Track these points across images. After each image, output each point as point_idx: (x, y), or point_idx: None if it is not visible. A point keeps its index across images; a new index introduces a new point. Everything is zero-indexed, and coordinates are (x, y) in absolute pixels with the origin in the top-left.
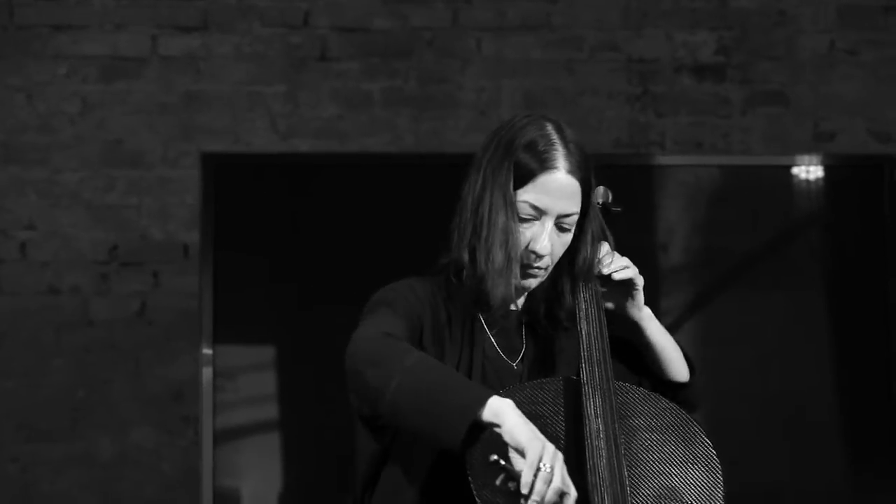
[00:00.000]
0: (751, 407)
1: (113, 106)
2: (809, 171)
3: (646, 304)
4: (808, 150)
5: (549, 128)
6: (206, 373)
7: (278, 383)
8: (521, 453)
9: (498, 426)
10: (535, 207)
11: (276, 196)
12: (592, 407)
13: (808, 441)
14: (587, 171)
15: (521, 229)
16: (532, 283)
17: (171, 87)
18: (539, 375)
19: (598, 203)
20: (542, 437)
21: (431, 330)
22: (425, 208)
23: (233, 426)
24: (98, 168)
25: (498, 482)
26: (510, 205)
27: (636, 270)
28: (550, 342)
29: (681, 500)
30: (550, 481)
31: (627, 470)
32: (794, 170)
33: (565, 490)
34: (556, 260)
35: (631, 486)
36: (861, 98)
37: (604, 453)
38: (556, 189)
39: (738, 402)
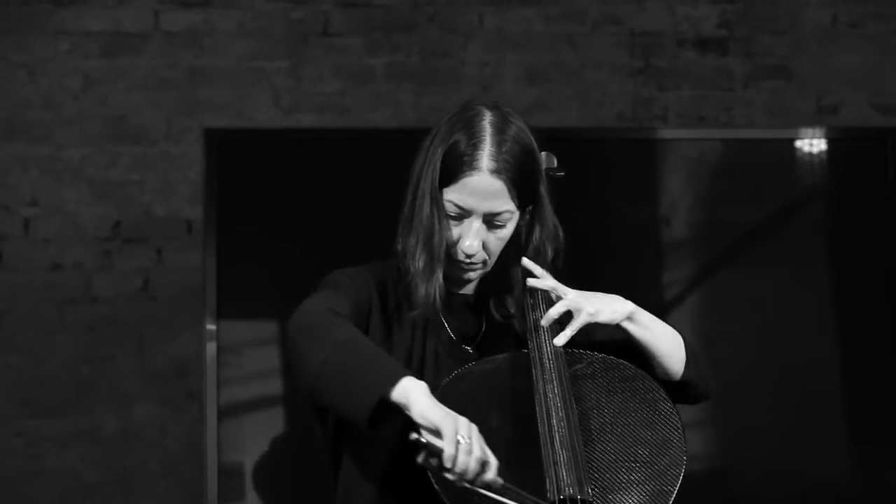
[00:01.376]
0: (754, 380)
1: (115, 82)
2: (812, 144)
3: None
4: (811, 123)
5: (486, 121)
6: (210, 348)
7: (282, 358)
8: (437, 433)
9: (407, 408)
10: (459, 207)
11: (279, 171)
12: (542, 378)
13: (810, 413)
14: (520, 169)
15: (449, 226)
16: (472, 275)
17: (173, 63)
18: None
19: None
20: (452, 413)
21: (380, 317)
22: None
23: (237, 401)
24: (101, 144)
25: (420, 459)
26: (436, 202)
27: (567, 300)
28: (507, 328)
29: (640, 462)
30: (471, 451)
31: (585, 438)
32: (797, 143)
33: (486, 459)
34: (494, 255)
35: (588, 455)
36: (864, 71)
37: (556, 426)
38: (479, 190)
39: (741, 376)
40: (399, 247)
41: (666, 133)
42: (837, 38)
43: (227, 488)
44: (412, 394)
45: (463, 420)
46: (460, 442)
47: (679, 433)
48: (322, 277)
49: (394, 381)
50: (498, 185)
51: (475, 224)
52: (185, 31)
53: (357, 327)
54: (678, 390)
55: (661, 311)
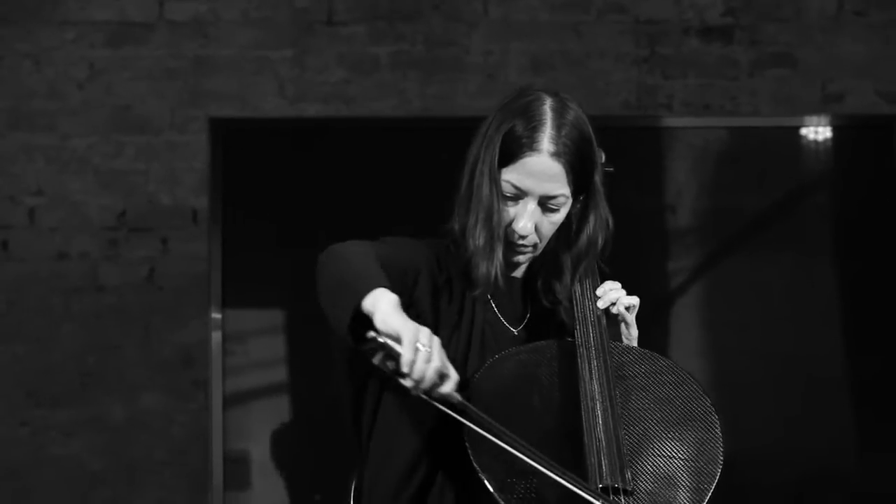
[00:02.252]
0: (759, 368)
1: (120, 71)
2: (817, 132)
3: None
4: (816, 111)
5: (546, 105)
6: (216, 337)
7: (287, 347)
8: (397, 339)
9: (372, 314)
10: (516, 187)
11: (284, 160)
12: (588, 368)
13: (815, 402)
14: (579, 154)
15: (504, 207)
16: (521, 259)
17: (178, 53)
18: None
19: None
20: (416, 324)
21: (428, 289)
22: (432, 172)
23: (242, 390)
24: (106, 134)
25: (377, 360)
26: (495, 182)
27: (634, 303)
28: (553, 313)
29: (679, 458)
30: (430, 360)
31: (625, 430)
32: (803, 131)
33: (444, 371)
34: (544, 239)
35: (629, 446)
36: (869, 59)
37: (600, 415)
38: (538, 171)
39: (746, 364)
40: (456, 226)
41: (671, 121)
42: (843, 26)
43: (232, 476)
44: (379, 301)
45: (425, 330)
46: (419, 349)
47: (717, 432)
48: None
49: (367, 290)
50: (557, 167)
51: (530, 206)
52: (189, 21)
53: (392, 283)
54: None
55: (666, 299)
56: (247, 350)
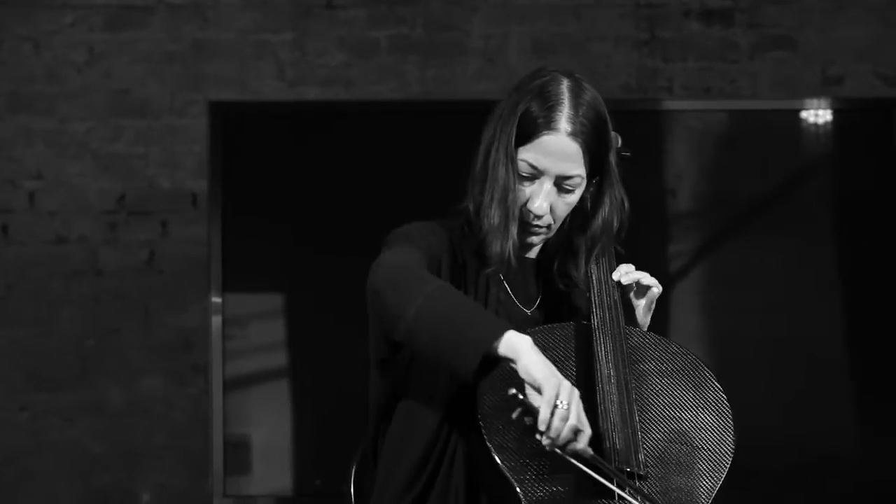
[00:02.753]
0: (759, 352)
1: (120, 55)
2: (818, 115)
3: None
4: (816, 94)
5: (563, 86)
6: (216, 321)
7: (287, 330)
8: (538, 390)
9: (513, 361)
10: (533, 167)
11: (283, 144)
12: (603, 351)
13: (815, 386)
14: (595, 135)
15: (520, 186)
16: (535, 239)
17: (177, 36)
18: (552, 323)
19: None
20: (558, 374)
21: (448, 273)
22: (433, 155)
23: (242, 374)
24: (105, 117)
25: (514, 415)
26: (511, 161)
27: (654, 284)
28: (566, 295)
29: (691, 443)
30: (567, 418)
31: (638, 414)
32: (803, 114)
33: (580, 427)
34: (559, 219)
35: (642, 430)
36: (869, 42)
37: (615, 398)
38: (556, 150)
39: (745, 348)
40: (471, 205)
41: (671, 104)
42: (843, 8)
43: (232, 461)
44: (520, 347)
45: (566, 383)
46: (558, 406)
47: (728, 419)
48: (327, 251)
49: (499, 335)
50: (574, 147)
51: (546, 185)
52: (189, 4)
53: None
54: None
55: (666, 282)
56: (247, 334)
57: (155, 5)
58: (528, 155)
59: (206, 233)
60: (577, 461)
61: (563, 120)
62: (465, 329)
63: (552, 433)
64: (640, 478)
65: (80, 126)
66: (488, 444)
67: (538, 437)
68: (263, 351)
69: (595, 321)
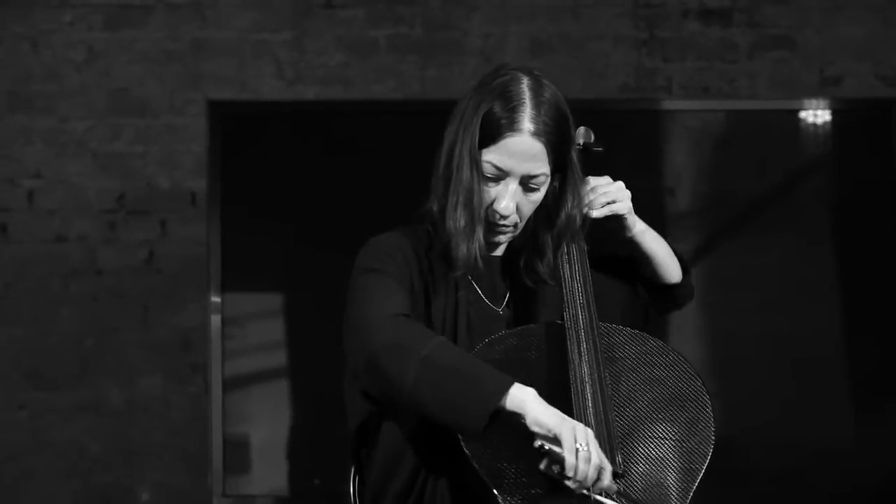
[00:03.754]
0: (757, 350)
1: (119, 54)
2: (816, 115)
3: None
4: (814, 94)
5: (523, 85)
6: (215, 320)
7: (286, 330)
8: (554, 440)
9: (521, 416)
10: (498, 168)
11: (282, 143)
12: (577, 351)
13: (813, 384)
14: (558, 132)
15: (485, 188)
16: (502, 238)
17: (176, 35)
18: (525, 320)
19: (579, 144)
20: (567, 418)
21: (420, 284)
22: (431, 155)
23: (241, 373)
24: (104, 116)
25: (543, 466)
26: (475, 163)
27: (622, 200)
28: (534, 292)
29: (670, 439)
30: (590, 459)
31: (615, 412)
32: (801, 114)
33: (602, 465)
34: (525, 218)
35: (619, 430)
36: (868, 42)
37: (589, 398)
38: (520, 151)
39: (744, 346)
40: (434, 207)
41: (670, 104)
42: (841, 8)
43: (231, 460)
44: (526, 402)
45: (580, 426)
46: (579, 450)
47: (708, 412)
48: (326, 250)
49: (503, 391)
50: (538, 146)
51: (511, 186)
52: (188, 3)
53: (413, 312)
54: (672, 292)
55: None
56: (246, 333)
57: (154, 4)
58: (492, 157)
59: (205, 232)
60: (606, 498)
61: (526, 120)
62: (468, 389)
63: (580, 476)
64: (618, 476)
65: (79, 125)
66: (465, 450)
67: (568, 483)
68: (262, 350)
69: (568, 320)
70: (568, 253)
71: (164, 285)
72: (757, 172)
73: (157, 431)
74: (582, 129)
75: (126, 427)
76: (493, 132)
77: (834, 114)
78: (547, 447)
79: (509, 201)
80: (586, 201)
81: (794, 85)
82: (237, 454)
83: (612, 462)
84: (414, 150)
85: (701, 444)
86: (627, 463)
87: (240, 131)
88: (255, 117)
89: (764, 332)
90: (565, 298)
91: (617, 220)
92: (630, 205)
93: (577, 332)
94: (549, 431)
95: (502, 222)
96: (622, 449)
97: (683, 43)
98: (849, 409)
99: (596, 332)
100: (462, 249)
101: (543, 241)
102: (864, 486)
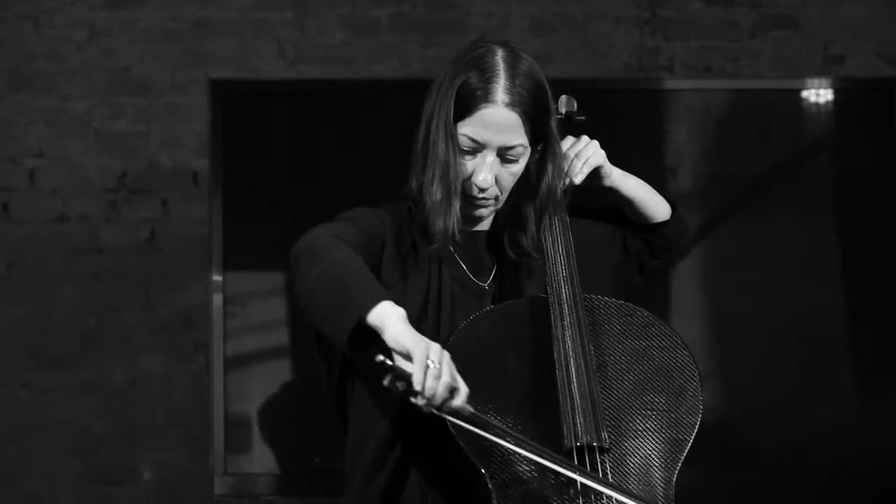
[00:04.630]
0: (759, 331)
1: (120, 33)
2: (819, 94)
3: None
4: (817, 73)
5: (498, 57)
6: (217, 299)
7: (288, 309)
8: (408, 356)
9: (381, 331)
10: (474, 140)
11: (284, 122)
12: (561, 325)
13: (816, 364)
14: (534, 103)
15: (463, 161)
16: (483, 212)
17: (178, 14)
18: (511, 295)
19: (561, 113)
20: (425, 339)
21: (395, 256)
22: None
23: (243, 352)
24: (106, 96)
25: (386, 382)
26: (451, 136)
27: (596, 154)
28: (519, 266)
29: (657, 410)
30: (440, 376)
31: (602, 384)
32: (804, 93)
33: (454, 385)
34: (505, 191)
35: (605, 403)
36: (870, 21)
37: (573, 372)
38: (495, 122)
39: (746, 326)
40: (413, 184)
41: (672, 84)
42: None
43: (233, 439)
44: (389, 318)
45: (435, 346)
46: (429, 366)
47: (695, 382)
48: None
49: (372, 304)
50: (513, 117)
51: (489, 158)
52: None
53: (365, 258)
54: (664, 231)
55: None
56: (247, 312)
57: None
58: (467, 129)
59: (206, 211)
60: (457, 419)
61: (501, 91)
62: (342, 301)
63: (427, 392)
64: (604, 451)
65: (80, 104)
66: (451, 430)
67: (415, 400)
68: (264, 329)
69: (552, 294)
70: (550, 226)
71: (165, 264)
72: (759, 152)
73: (158, 410)
74: (564, 97)
75: (128, 406)
76: (468, 105)
77: (836, 93)
78: (390, 362)
79: (487, 173)
80: (566, 170)
81: (796, 64)
82: (239, 433)
83: (598, 438)
84: (415, 128)
85: (688, 413)
86: (615, 436)
87: (241, 110)
88: (256, 96)
89: (766, 312)
90: (549, 272)
91: (595, 173)
92: (603, 153)
93: (560, 305)
94: (404, 348)
95: (482, 195)
96: (608, 423)
97: (686, 22)
98: (851, 390)
99: (580, 304)
100: (439, 224)
101: (526, 213)
102: (866, 466)
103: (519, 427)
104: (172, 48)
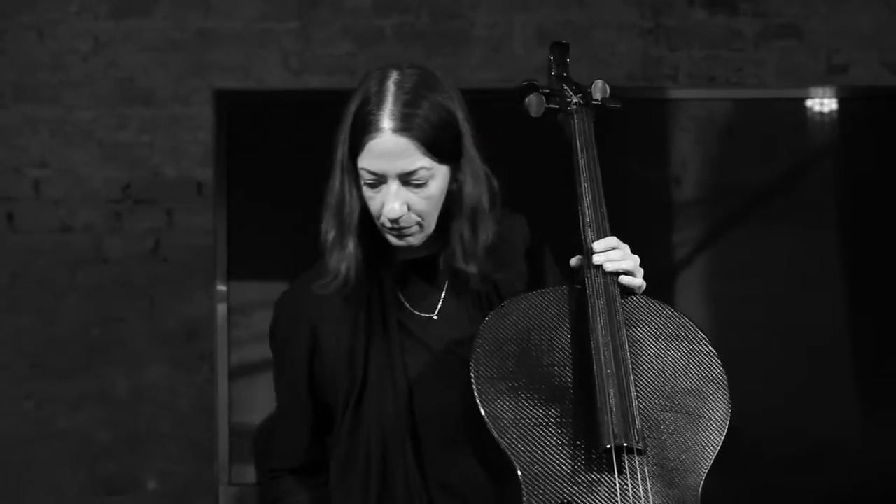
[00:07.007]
0: (763, 341)
1: (125, 43)
2: (823, 103)
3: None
4: (821, 82)
5: (389, 81)
6: (221, 309)
7: None
8: None
9: None
10: (372, 173)
11: (288, 133)
12: (600, 317)
13: (819, 375)
14: (429, 122)
15: (371, 195)
16: (412, 241)
17: (182, 24)
18: (457, 321)
19: (597, 99)
20: None
21: (329, 337)
22: None
23: (247, 362)
24: (110, 106)
25: None
26: (347, 172)
27: (638, 275)
28: (465, 286)
29: (687, 411)
30: None
31: (634, 382)
32: (808, 103)
33: None
34: (427, 215)
35: (637, 397)
36: (875, 30)
37: (612, 366)
38: (386, 151)
39: (750, 337)
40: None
41: (676, 93)
42: None
43: (238, 449)
44: None
45: None
46: None
47: (725, 389)
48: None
49: None
50: (402, 142)
51: (393, 187)
52: None
53: (322, 392)
54: None
55: (670, 271)
56: (252, 322)
57: None
58: (364, 162)
59: (211, 221)
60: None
61: (386, 118)
62: None
63: None
64: (639, 452)
65: (85, 114)
66: (482, 412)
67: None
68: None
69: (590, 285)
70: (591, 224)
71: (170, 275)
72: (763, 161)
73: (163, 420)
74: (599, 83)
75: (132, 416)
76: (358, 138)
77: (841, 102)
78: None
79: (393, 202)
80: (611, 254)
81: (800, 73)
82: (243, 443)
83: (634, 438)
84: None
85: (719, 419)
86: (648, 435)
87: (246, 121)
88: (261, 107)
89: (770, 321)
90: (584, 262)
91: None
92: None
93: (597, 297)
94: None
95: (396, 226)
96: (642, 422)
97: (689, 32)
98: (855, 400)
99: (617, 298)
100: (333, 261)
101: (453, 234)
102: (870, 476)
103: (561, 420)
104: (177, 58)
